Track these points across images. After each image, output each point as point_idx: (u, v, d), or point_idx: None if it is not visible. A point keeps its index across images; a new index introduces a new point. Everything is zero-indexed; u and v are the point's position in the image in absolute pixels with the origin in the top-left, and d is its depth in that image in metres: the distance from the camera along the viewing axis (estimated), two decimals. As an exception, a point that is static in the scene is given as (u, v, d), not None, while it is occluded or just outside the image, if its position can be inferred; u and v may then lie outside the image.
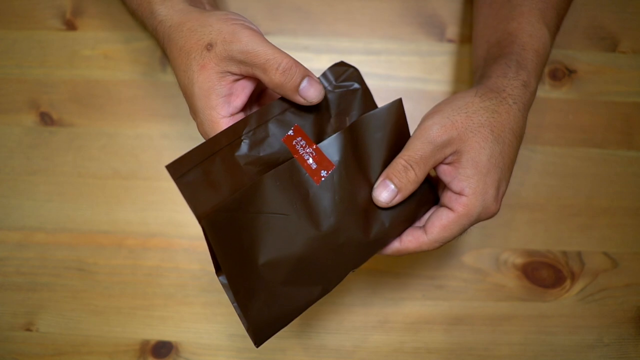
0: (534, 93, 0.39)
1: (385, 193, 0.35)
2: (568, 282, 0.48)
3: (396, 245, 0.37)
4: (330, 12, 0.50)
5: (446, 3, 0.50)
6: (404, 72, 0.49)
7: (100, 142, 0.49)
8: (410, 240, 0.37)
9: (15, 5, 0.50)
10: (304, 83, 0.34)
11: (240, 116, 0.35)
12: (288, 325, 0.47)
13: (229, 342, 0.47)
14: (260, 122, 0.34)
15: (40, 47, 0.49)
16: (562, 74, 0.49)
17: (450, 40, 0.49)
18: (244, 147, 0.34)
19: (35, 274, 0.48)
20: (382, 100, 0.49)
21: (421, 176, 0.35)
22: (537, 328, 0.47)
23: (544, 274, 0.48)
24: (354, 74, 0.37)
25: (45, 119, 0.49)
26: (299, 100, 0.34)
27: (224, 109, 0.34)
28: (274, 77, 0.33)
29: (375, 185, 0.36)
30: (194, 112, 0.36)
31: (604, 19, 0.49)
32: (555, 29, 0.42)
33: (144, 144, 0.49)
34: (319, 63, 0.49)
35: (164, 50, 0.38)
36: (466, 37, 0.49)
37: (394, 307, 0.48)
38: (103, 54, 0.49)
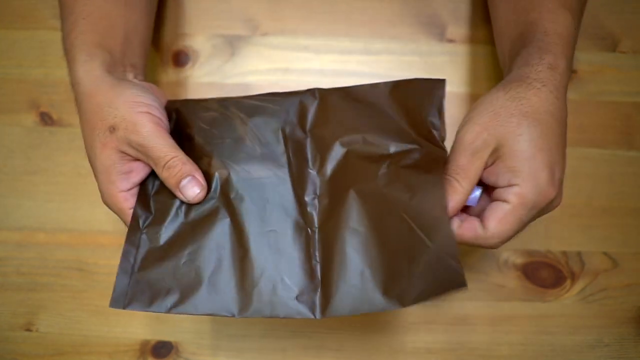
0: (565, 74, 0.36)
1: None
2: (568, 282, 0.48)
3: (452, 229, 0.34)
4: (330, 12, 0.50)
5: (446, 3, 0.50)
6: (404, 72, 0.49)
7: (100, 142, 0.49)
8: (467, 228, 0.34)
9: (15, 5, 0.50)
10: (184, 182, 0.36)
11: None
12: (287, 326, 0.47)
13: (229, 342, 0.47)
14: (145, 208, 0.37)
15: (40, 47, 0.49)
16: (562, 74, 0.49)
17: (450, 40, 0.49)
18: (150, 238, 0.36)
19: (35, 274, 0.48)
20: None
21: (466, 186, 0.34)
22: (537, 328, 0.47)
23: (544, 274, 0.48)
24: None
25: (45, 119, 0.49)
26: (179, 196, 0.36)
27: (122, 184, 0.36)
28: (160, 173, 0.36)
29: None
30: (96, 180, 0.38)
31: (604, 19, 0.49)
32: (579, 11, 0.40)
33: (144, 144, 0.49)
34: (319, 63, 0.49)
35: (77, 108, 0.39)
36: (466, 37, 0.49)
37: (394, 307, 0.48)
38: (103, 54, 0.49)
